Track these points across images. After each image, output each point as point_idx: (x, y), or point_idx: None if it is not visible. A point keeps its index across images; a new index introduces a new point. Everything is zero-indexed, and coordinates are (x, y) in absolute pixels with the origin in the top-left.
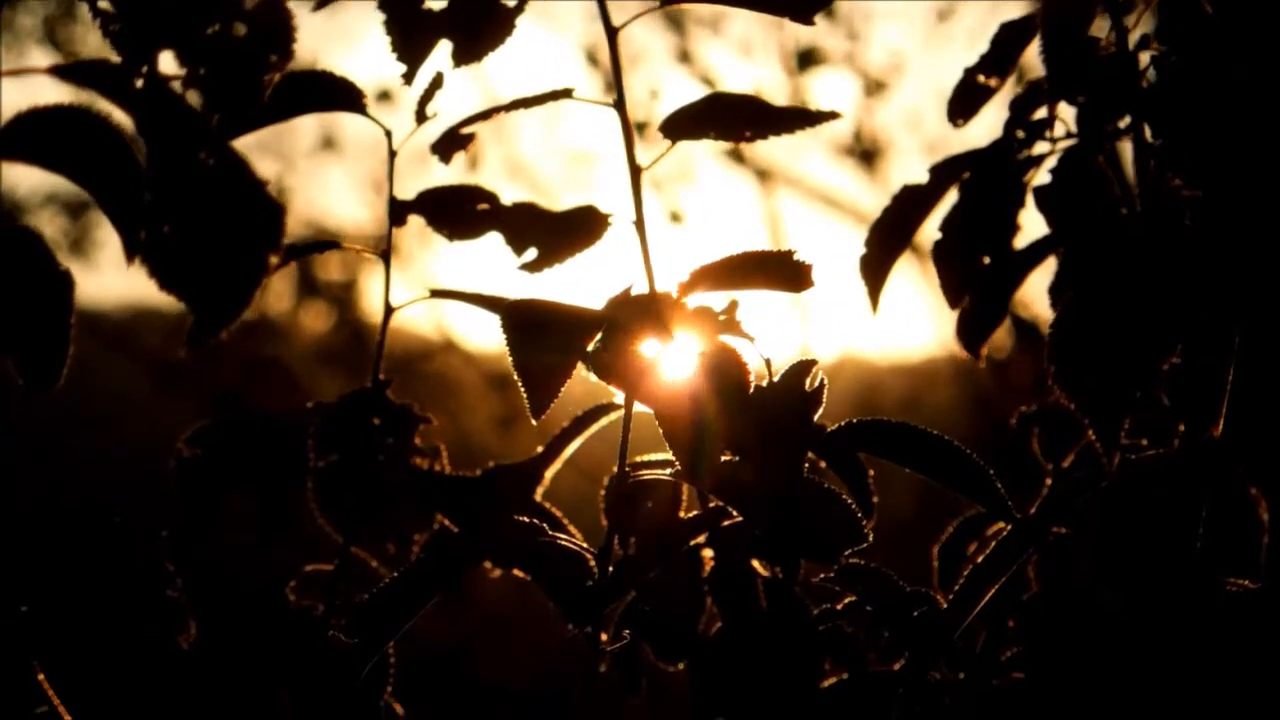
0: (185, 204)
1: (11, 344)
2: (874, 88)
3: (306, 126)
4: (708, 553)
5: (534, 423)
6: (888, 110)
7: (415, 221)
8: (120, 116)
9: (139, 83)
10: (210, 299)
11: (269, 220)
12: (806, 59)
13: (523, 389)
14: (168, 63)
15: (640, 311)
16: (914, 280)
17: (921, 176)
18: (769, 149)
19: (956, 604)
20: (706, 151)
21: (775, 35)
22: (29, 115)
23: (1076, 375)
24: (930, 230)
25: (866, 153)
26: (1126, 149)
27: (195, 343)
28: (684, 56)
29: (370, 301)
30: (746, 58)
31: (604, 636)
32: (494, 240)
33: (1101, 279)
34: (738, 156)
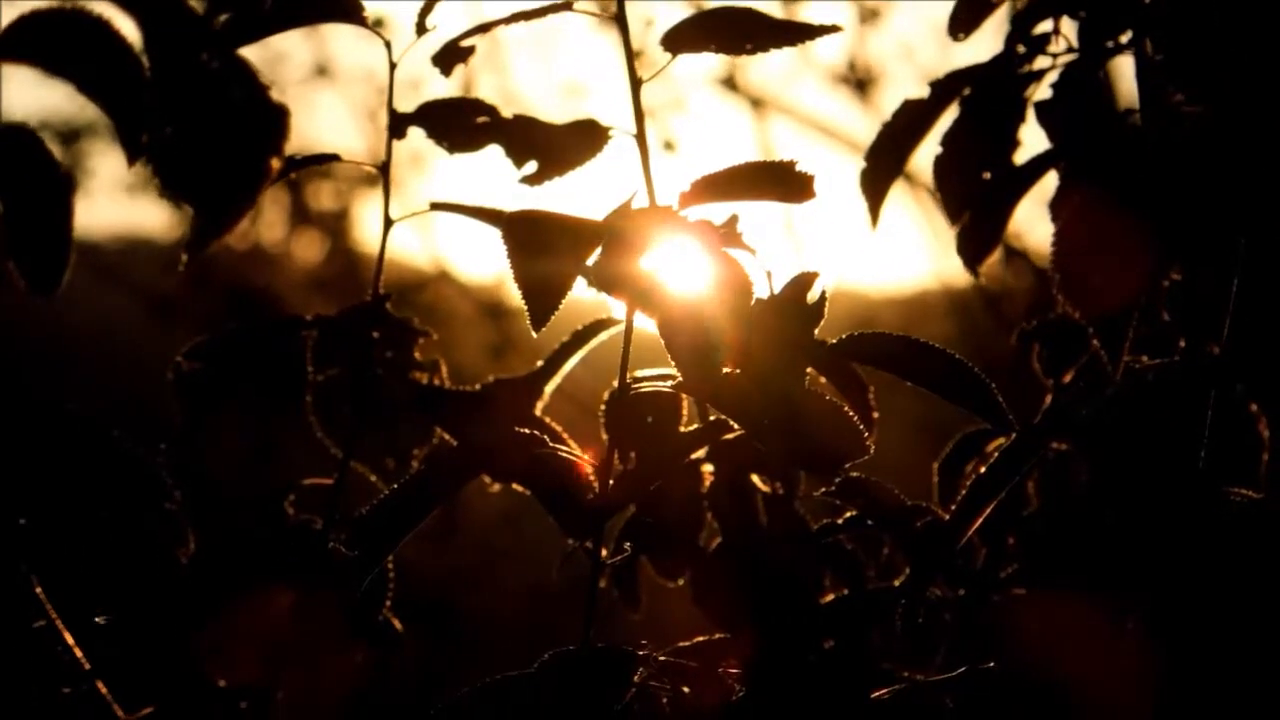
0: (188, 105)
1: (14, 244)
2: (868, 15)
3: (299, 57)
4: (707, 467)
5: (534, 335)
6: (882, 39)
7: (409, 149)
8: (121, 23)
9: None
10: (212, 200)
11: (272, 122)
12: None
13: (523, 300)
14: None
15: (641, 223)
16: (908, 211)
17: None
18: (763, 76)
19: (957, 517)
20: (699, 80)
21: None
22: (30, 17)
23: (1081, 285)
24: (926, 156)
25: (860, 82)
26: (1126, 72)
27: (196, 248)
28: None
29: (362, 231)
30: None
31: (604, 551)
32: (490, 169)
33: (1104, 189)
34: (731, 85)
